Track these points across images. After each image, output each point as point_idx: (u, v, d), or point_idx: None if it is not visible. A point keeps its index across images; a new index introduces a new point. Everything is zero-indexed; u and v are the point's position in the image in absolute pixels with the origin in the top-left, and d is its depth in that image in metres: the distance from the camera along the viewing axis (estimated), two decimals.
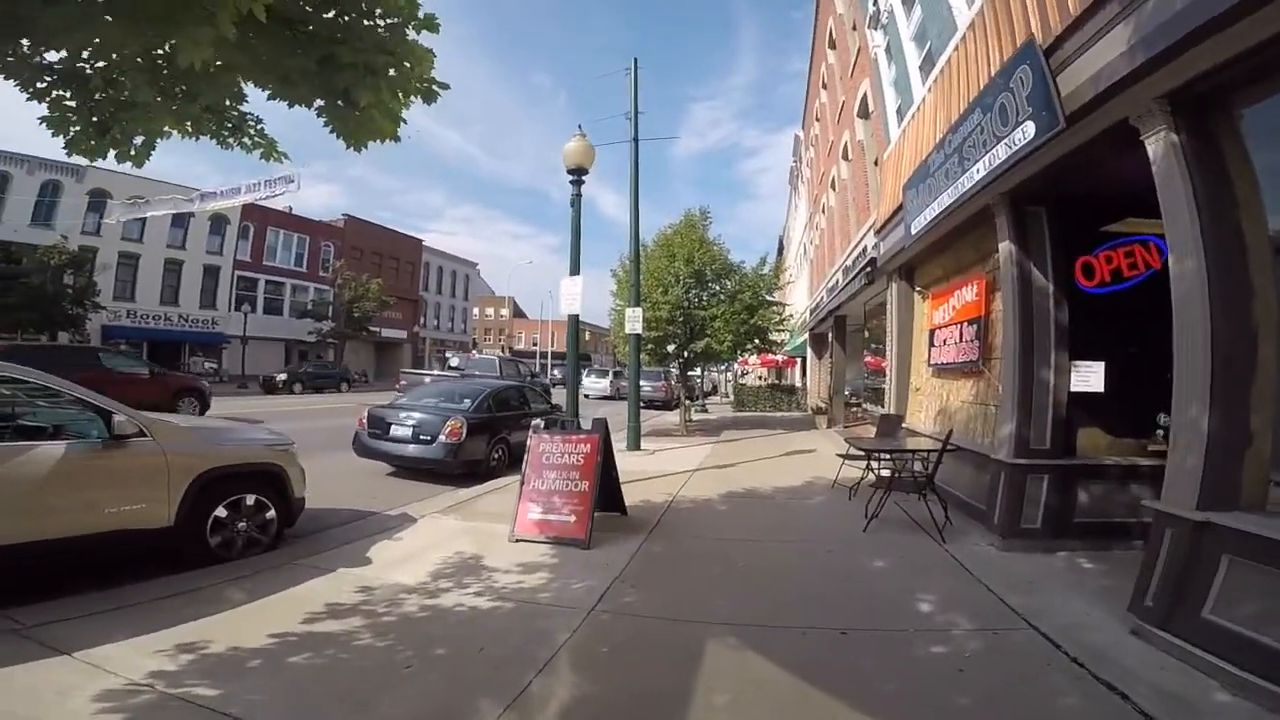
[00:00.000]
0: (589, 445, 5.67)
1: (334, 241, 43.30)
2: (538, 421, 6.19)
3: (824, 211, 19.20)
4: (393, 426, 8.79)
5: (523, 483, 5.71)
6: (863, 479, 7.22)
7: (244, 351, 32.95)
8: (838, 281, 15.10)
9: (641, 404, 26.20)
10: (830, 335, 19.62)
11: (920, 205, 6.90)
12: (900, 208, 8.20)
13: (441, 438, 8.42)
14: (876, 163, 12.02)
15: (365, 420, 9.05)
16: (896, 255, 8.53)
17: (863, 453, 6.81)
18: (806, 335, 23.25)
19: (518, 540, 5.33)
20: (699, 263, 14.27)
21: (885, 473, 6.75)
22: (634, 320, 11.26)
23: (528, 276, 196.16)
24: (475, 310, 73.41)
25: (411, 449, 8.54)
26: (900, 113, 9.30)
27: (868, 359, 14.42)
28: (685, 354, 14.92)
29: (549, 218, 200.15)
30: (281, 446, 5.20)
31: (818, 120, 21.10)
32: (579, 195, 7.97)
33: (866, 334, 14.11)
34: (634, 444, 11.20)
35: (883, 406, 10.60)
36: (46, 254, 25.20)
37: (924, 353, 8.17)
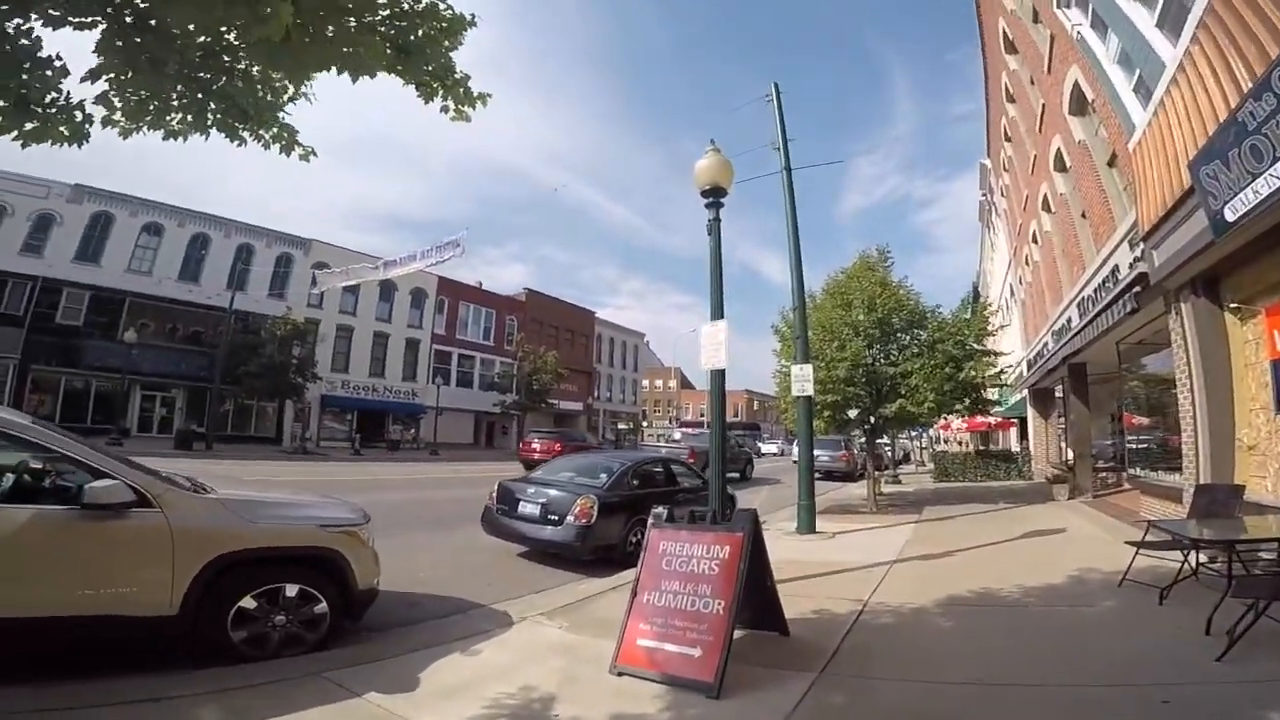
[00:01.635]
0: (728, 548, 3.99)
1: (516, 315, 46.58)
2: (659, 510, 4.57)
3: (1035, 241, 15.98)
4: (521, 503, 7.82)
5: (634, 593, 4.15)
6: (1180, 575, 4.71)
7: (436, 422, 35.79)
8: (1070, 320, 11.99)
9: (819, 475, 23.82)
10: (1062, 389, 15.94)
11: (1235, 181, 4.63)
12: (1185, 198, 5.81)
13: (570, 519, 7.26)
14: (1112, 162, 9.43)
15: (495, 495, 8.26)
16: (1189, 263, 5.98)
17: (1177, 539, 4.40)
18: (1025, 392, 19.29)
19: (620, 674, 3.74)
20: (882, 310, 12.08)
21: (1213, 566, 4.28)
22: (803, 379, 9.47)
23: (693, 347, 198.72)
24: (645, 382, 74.83)
25: (540, 530, 7.50)
26: (1145, 87, 6.99)
27: (1129, 417, 11.01)
28: (872, 419, 12.55)
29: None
30: (344, 526, 4.26)
31: (1008, 140, 18.18)
32: (717, 220, 6.59)
33: (1125, 382, 10.78)
34: (807, 525, 9.16)
35: (1177, 472, 7.62)
36: (275, 325, 28.99)
37: (1262, 395, 5.44)
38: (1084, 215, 11.31)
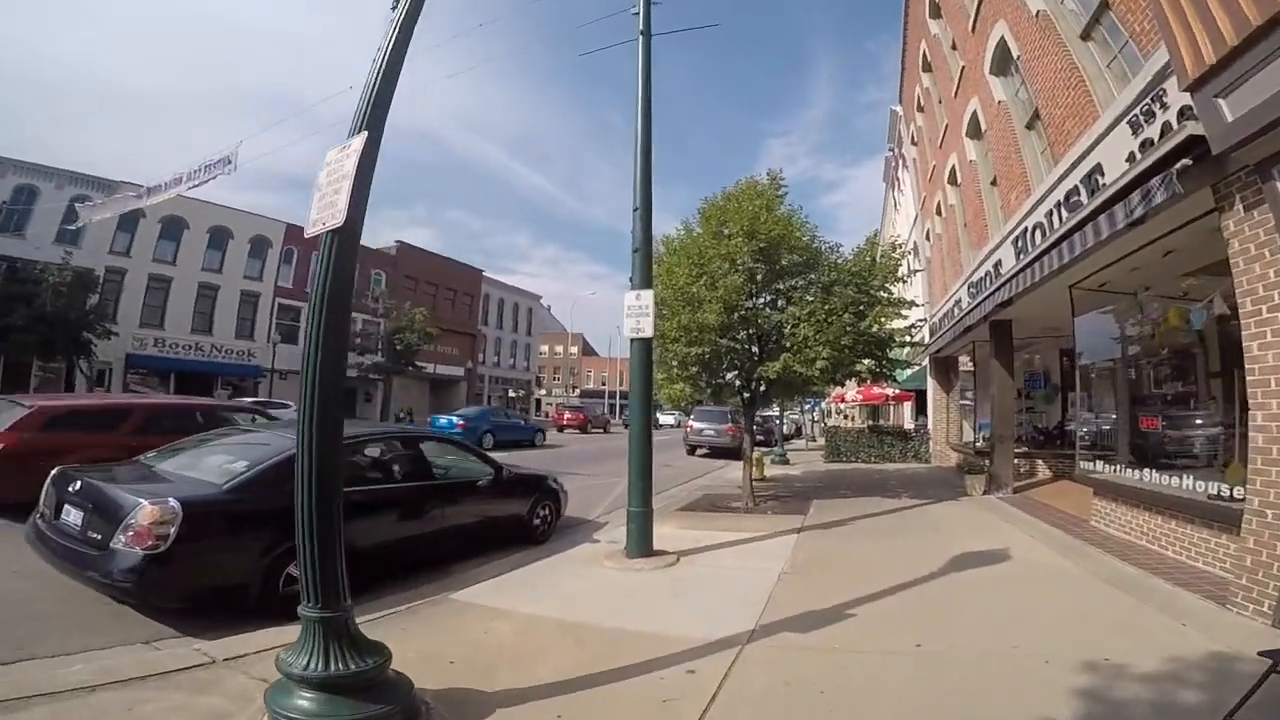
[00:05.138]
0: None
1: (385, 270, 40.91)
2: None
3: (953, 181, 13.45)
4: (65, 507, 4.16)
5: None
6: None
7: (272, 385, 30.23)
8: (1000, 264, 9.37)
9: (703, 452, 21.09)
10: (971, 356, 13.71)
11: None
12: None
13: (121, 541, 3.71)
14: (1090, 31, 6.68)
15: (46, 488, 4.48)
16: None
17: None
18: (926, 362, 17.16)
19: None
20: (766, 237, 8.86)
21: None
22: (639, 312, 6.08)
23: (593, 312, 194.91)
24: (544, 347, 70.34)
25: (78, 556, 3.90)
26: None
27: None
28: (753, 382, 9.46)
29: (627, 258, 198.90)
30: None
31: (926, 71, 15.67)
32: None
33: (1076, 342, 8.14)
34: (639, 544, 5.84)
35: (1176, 472, 4.91)
36: (46, 272, 23.09)
37: None
38: (1031, 124, 8.60)
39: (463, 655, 3.53)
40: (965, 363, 15.42)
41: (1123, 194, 4.98)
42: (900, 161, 23.23)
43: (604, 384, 74.67)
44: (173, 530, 3.66)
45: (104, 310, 25.37)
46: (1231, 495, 4.45)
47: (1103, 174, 5.82)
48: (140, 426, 7.39)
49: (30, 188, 26.37)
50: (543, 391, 70.08)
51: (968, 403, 15.42)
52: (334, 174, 2.71)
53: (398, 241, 43.46)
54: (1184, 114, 4.47)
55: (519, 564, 5.66)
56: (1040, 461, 11.63)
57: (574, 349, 79.93)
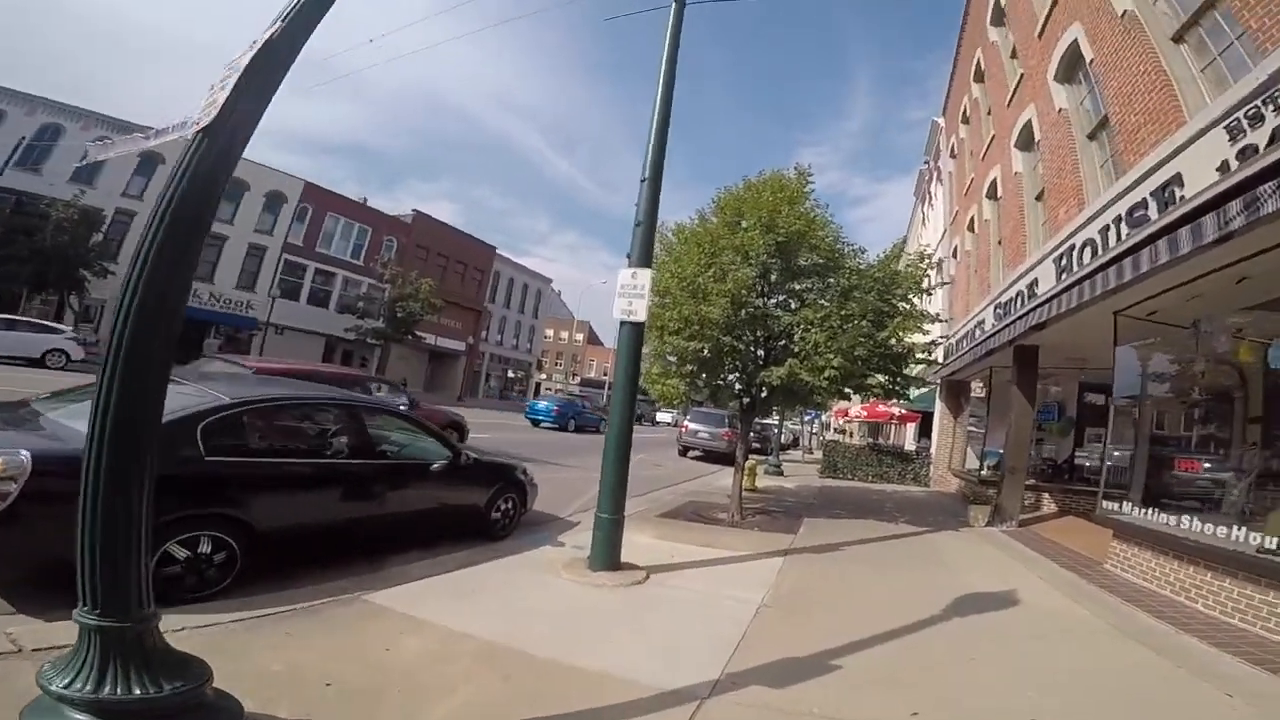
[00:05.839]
0: None
1: (398, 237, 40.29)
2: None
3: (993, 195, 12.65)
4: None
5: None
6: None
7: (265, 338, 29.70)
8: (1035, 284, 8.59)
9: (696, 455, 20.40)
10: (984, 383, 12.94)
11: None
12: None
13: None
14: (1184, 34, 5.92)
15: None
16: None
17: None
18: (937, 383, 16.38)
19: None
20: (785, 231, 8.12)
21: None
22: (633, 291, 5.35)
23: (607, 302, 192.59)
24: (549, 331, 69.59)
25: None
26: None
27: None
28: (754, 386, 8.71)
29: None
30: None
31: (978, 81, 14.79)
32: None
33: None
34: (604, 556, 5.12)
35: (1160, 510, 4.25)
36: (52, 208, 22.75)
37: None
38: (1095, 134, 7.85)
39: (346, 676, 2.84)
40: (978, 389, 14.67)
41: (1207, 208, 4.28)
42: (934, 174, 22.37)
43: (605, 374, 73.90)
44: (15, 487, 2.99)
45: (107, 249, 25.14)
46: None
47: (1182, 185, 5.09)
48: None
49: (56, 126, 26.27)
50: (543, 376, 69.40)
51: (975, 430, 14.66)
52: (228, 71, 2.06)
53: (414, 210, 42.76)
54: None
55: (464, 563, 4.97)
56: (1046, 495, 10.94)
57: (579, 336, 79.24)
